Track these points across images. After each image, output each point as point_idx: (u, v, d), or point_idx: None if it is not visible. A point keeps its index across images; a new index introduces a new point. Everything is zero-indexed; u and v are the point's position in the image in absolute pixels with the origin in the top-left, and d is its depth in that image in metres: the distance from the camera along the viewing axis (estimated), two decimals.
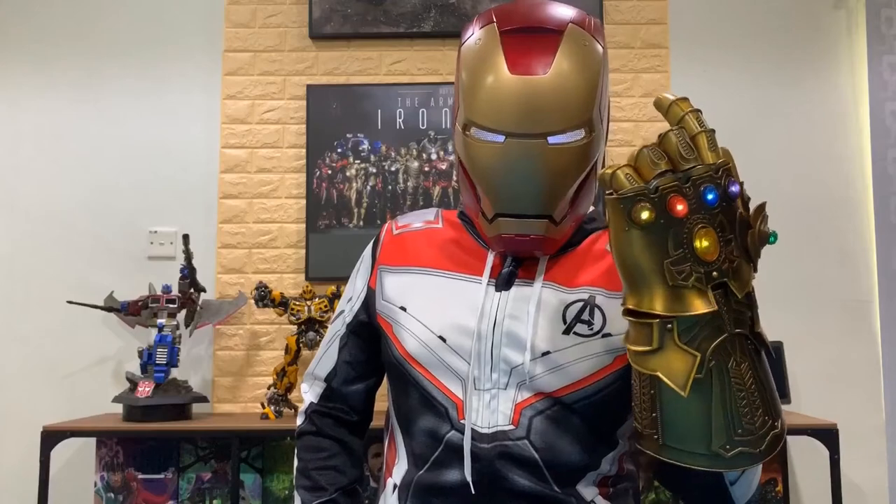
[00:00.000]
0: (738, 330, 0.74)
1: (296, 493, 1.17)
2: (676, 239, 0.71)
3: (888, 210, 2.58)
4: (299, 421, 1.21)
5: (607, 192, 0.74)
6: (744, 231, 0.75)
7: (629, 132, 2.62)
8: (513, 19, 1.04)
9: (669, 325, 0.72)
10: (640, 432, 0.79)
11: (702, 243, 0.71)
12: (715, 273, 0.72)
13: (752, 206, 0.78)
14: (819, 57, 2.66)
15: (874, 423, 2.53)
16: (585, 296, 1.05)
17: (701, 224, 0.71)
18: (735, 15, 2.68)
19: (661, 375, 0.73)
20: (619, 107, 2.62)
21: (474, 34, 1.06)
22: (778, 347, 2.45)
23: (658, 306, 0.73)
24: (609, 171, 0.73)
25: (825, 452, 2.14)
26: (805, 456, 2.48)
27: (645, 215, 0.70)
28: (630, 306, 0.75)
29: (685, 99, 0.76)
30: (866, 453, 2.51)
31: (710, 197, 0.71)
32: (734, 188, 0.73)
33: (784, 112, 2.65)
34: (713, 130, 0.74)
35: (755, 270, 0.76)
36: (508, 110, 0.99)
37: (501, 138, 1.00)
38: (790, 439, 2.46)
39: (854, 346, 2.57)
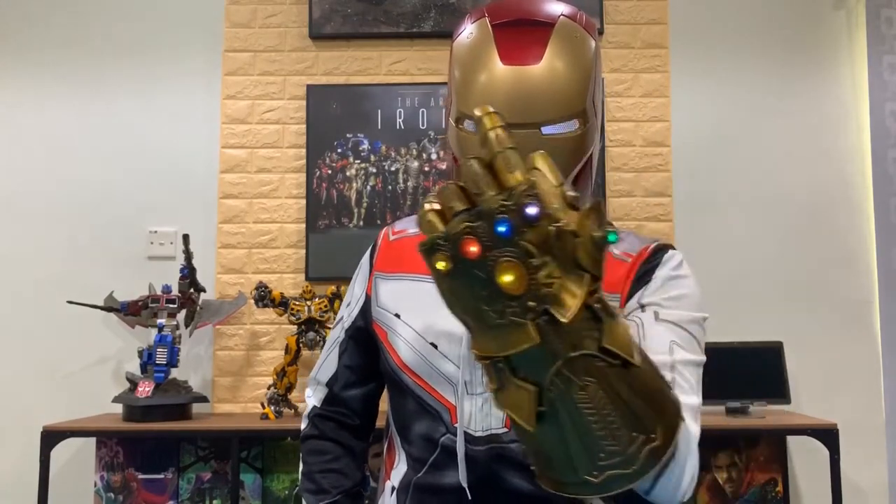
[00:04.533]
0: (574, 353, 0.68)
1: (303, 497, 1.17)
2: (479, 280, 0.66)
3: (888, 210, 2.58)
4: (303, 425, 1.22)
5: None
6: (570, 244, 0.68)
7: (629, 132, 2.61)
8: (504, 13, 1.06)
9: (500, 364, 0.69)
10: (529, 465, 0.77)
11: (503, 279, 0.65)
12: (530, 303, 0.66)
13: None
14: (819, 57, 2.66)
15: (874, 423, 2.53)
16: None
17: (504, 258, 0.65)
18: (735, 15, 2.68)
19: (510, 412, 0.70)
20: (620, 107, 2.62)
21: (466, 29, 1.08)
22: (778, 347, 2.45)
23: (489, 347, 0.69)
24: (426, 206, 0.67)
25: (825, 452, 2.14)
26: (805, 456, 2.48)
27: (441, 265, 0.65)
28: (474, 350, 0.72)
29: (496, 113, 0.67)
30: (866, 453, 2.51)
31: (501, 230, 0.65)
32: (530, 210, 0.66)
33: (784, 112, 2.64)
34: (514, 148, 0.66)
35: (598, 279, 0.69)
36: (501, 100, 1.00)
37: None
38: (790, 439, 2.46)
39: (854, 346, 2.56)
